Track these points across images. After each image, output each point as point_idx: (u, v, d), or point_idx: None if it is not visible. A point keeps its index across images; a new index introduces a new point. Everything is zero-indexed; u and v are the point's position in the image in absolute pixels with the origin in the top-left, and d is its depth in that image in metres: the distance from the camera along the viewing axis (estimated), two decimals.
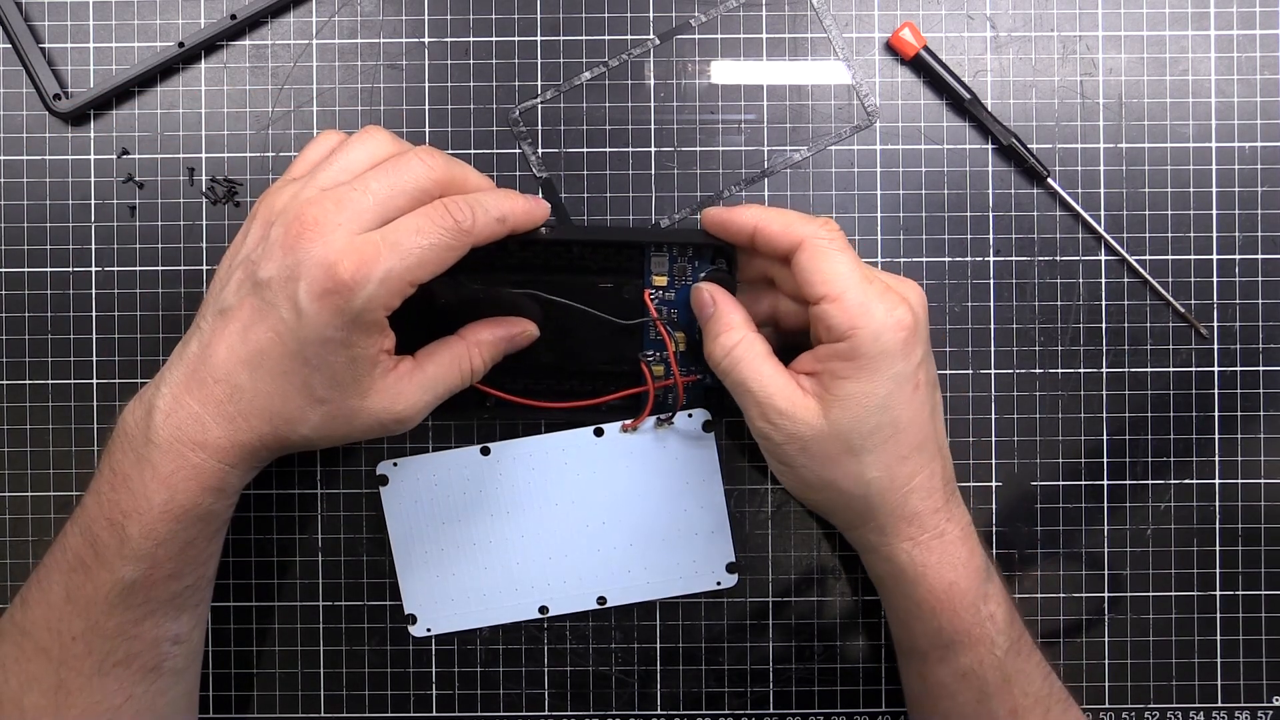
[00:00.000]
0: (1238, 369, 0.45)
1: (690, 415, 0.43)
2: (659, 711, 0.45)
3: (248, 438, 0.36)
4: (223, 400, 0.36)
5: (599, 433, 0.43)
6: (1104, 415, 0.45)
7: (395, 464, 0.44)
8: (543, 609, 0.44)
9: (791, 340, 0.41)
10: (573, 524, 0.44)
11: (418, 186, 0.36)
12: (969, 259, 0.45)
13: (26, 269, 0.45)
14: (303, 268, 0.34)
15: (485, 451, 0.43)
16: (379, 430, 0.37)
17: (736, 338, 0.39)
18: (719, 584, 0.44)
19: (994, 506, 0.45)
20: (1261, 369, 0.45)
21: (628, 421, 0.43)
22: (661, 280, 0.42)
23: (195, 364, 0.36)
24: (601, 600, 0.44)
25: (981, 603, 0.39)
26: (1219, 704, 0.45)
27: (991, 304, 0.45)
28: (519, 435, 0.44)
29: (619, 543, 0.44)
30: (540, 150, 0.45)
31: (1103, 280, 0.45)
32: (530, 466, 0.43)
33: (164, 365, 0.38)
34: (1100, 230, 0.44)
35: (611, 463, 0.43)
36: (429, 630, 0.45)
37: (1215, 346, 0.45)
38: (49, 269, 0.45)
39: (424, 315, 0.40)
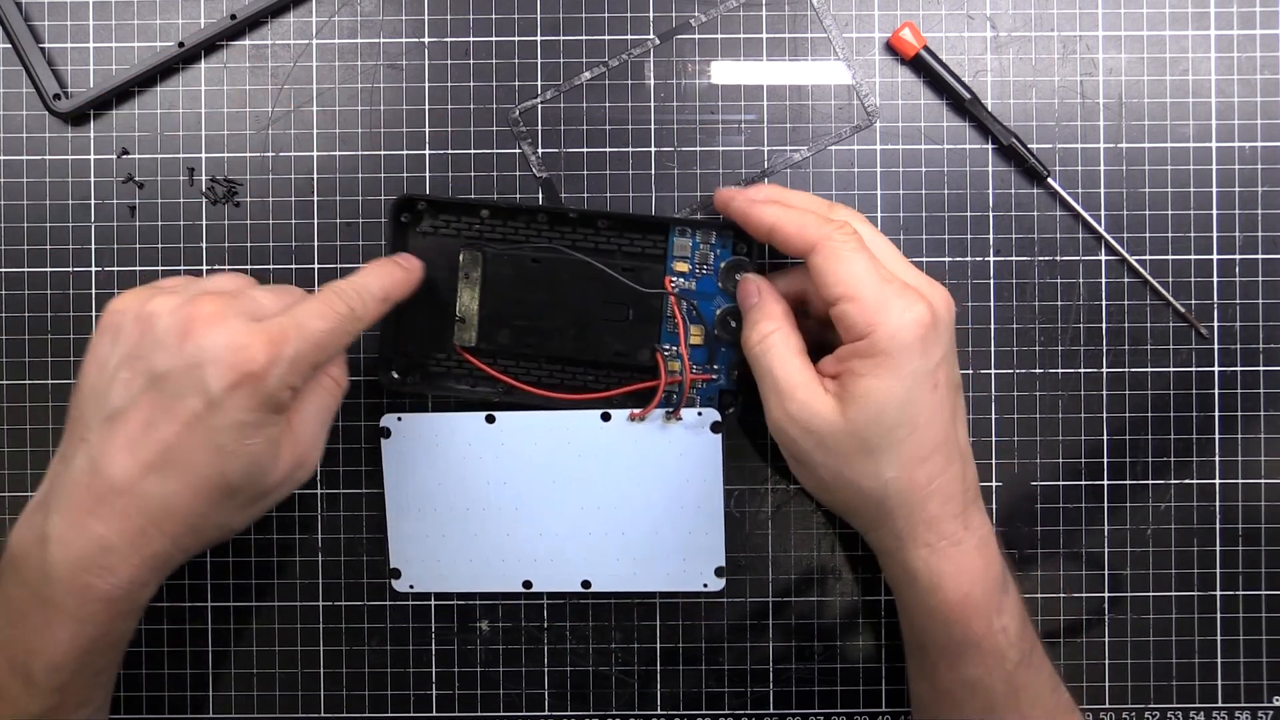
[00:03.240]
0: (1238, 369, 0.45)
1: (700, 414, 0.43)
2: (659, 711, 0.45)
3: (161, 547, 0.34)
4: (130, 514, 0.34)
5: (606, 417, 0.43)
6: (1104, 415, 0.45)
7: (400, 419, 0.44)
8: (527, 583, 0.44)
9: (819, 338, 0.41)
10: (567, 503, 0.44)
11: (291, 296, 0.38)
12: (969, 259, 0.45)
13: (26, 269, 0.45)
14: (207, 354, 0.33)
15: (490, 419, 0.43)
16: (291, 488, 0.38)
17: (772, 327, 0.39)
18: (705, 585, 0.44)
19: (994, 506, 0.45)
20: (1261, 369, 0.45)
21: (636, 410, 0.43)
22: (683, 267, 0.42)
23: (89, 480, 0.34)
24: (586, 584, 0.44)
25: (995, 615, 0.38)
26: (1219, 704, 0.45)
27: (991, 304, 0.45)
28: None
29: (610, 530, 0.44)
30: (540, 150, 0.45)
31: (1103, 280, 0.45)
32: (533, 441, 0.43)
33: (42, 488, 0.35)
34: (1100, 230, 0.44)
35: (614, 449, 0.43)
36: (411, 587, 0.44)
37: (1215, 346, 0.45)
38: (49, 269, 0.45)
39: (431, 302, 0.41)
